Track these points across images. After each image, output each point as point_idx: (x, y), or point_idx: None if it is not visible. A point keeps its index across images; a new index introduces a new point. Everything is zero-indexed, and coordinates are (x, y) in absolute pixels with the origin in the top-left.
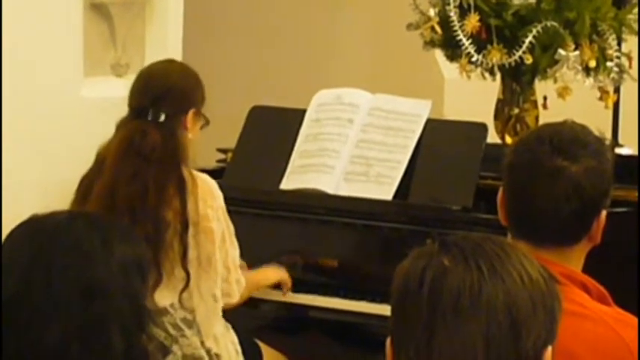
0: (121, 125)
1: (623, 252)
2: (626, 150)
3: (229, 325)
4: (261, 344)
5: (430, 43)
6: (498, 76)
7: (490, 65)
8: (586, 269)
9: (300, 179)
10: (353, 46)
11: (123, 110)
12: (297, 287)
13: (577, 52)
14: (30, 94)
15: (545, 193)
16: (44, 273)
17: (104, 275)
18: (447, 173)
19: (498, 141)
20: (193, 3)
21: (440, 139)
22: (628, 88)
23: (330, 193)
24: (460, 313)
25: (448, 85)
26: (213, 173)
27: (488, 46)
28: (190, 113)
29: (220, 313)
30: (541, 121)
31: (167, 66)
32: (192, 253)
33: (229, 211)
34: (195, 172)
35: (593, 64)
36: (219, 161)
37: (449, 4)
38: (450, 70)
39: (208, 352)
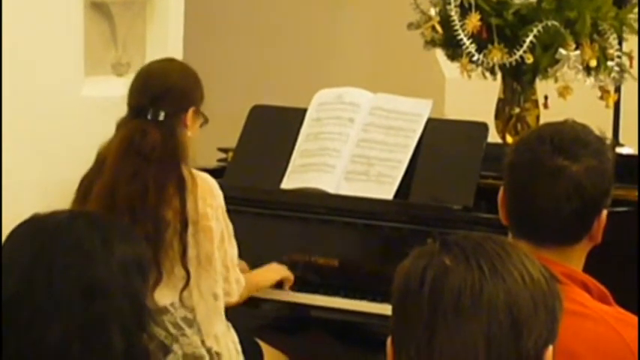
0: (121, 125)
1: (624, 251)
2: (627, 149)
3: (230, 325)
4: (262, 344)
5: (431, 43)
6: (499, 75)
7: (491, 65)
8: (587, 269)
9: (300, 178)
10: (354, 45)
11: (124, 110)
12: (298, 287)
13: (578, 52)
14: (30, 94)
15: (546, 193)
16: (45, 272)
17: (105, 275)
18: (447, 173)
19: (499, 140)
20: (194, 2)
21: (441, 139)
22: (629, 87)
23: (331, 193)
24: (461, 312)
25: (449, 84)
26: (214, 172)
27: (489, 46)
28: (190, 112)
29: (222, 312)
30: (542, 121)
31: (166, 65)
32: (191, 252)
33: (230, 211)
34: (194, 171)
35: (593, 63)
36: (219, 160)
37: (450, 4)
38: (450, 69)
39: (209, 351)
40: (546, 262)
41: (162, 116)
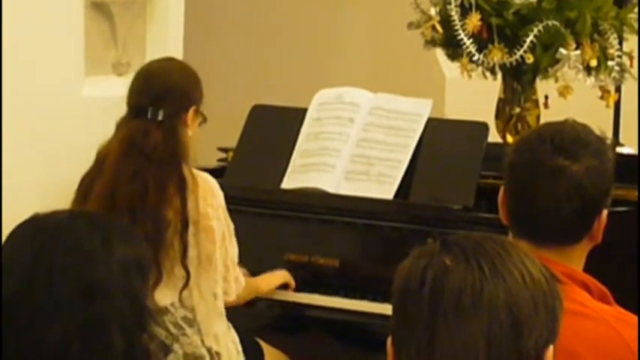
0: (121, 124)
1: (624, 251)
2: (627, 149)
3: (230, 325)
4: (263, 343)
5: (431, 42)
6: (499, 75)
7: (491, 64)
8: (587, 268)
9: (301, 178)
10: (354, 45)
11: (124, 109)
12: (298, 287)
13: (578, 52)
14: (30, 94)
15: (547, 193)
16: (45, 272)
17: (105, 275)
18: (448, 172)
19: (499, 140)
20: (194, 2)
21: (441, 139)
22: (629, 87)
23: (331, 193)
24: (461, 312)
25: (449, 84)
26: (214, 172)
27: (490, 46)
28: (191, 111)
29: (223, 312)
30: (542, 121)
31: (166, 64)
32: (192, 252)
33: (230, 210)
34: (195, 171)
35: (594, 63)
36: (220, 160)
37: (450, 3)
38: (451, 69)
39: (209, 350)
40: (547, 262)
41: (162, 116)
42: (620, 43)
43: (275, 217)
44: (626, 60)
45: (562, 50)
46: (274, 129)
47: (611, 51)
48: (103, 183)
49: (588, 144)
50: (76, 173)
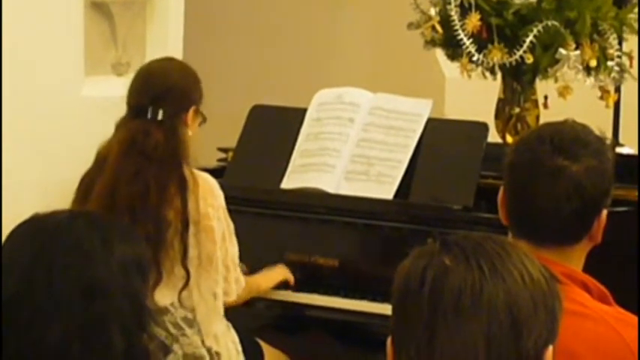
0: (121, 125)
1: (624, 251)
2: (627, 149)
3: (230, 325)
4: (263, 343)
5: (431, 43)
6: (499, 75)
7: (491, 64)
8: (587, 269)
9: (300, 178)
10: (354, 45)
11: (124, 109)
12: (298, 287)
13: (578, 52)
14: (30, 94)
15: (546, 193)
16: (45, 272)
17: (104, 275)
18: (447, 172)
19: (499, 140)
20: (194, 2)
21: (441, 139)
22: (629, 87)
23: (331, 193)
24: (461, 312)
25: (449, 84)
26: (214, 172)
27: (489, 46)
28: (191, 111)
29: (222, 312)
30: (542, 121)
31: (166, 64)
32: (192, 252)
33: (230, 211)
34: (195, 171)
35: (593, 63)
36: (219, 160)
37: (450, 4)
38: (450, 69)
39: (209, 350)
40: (546, 262)
41: (162, 116)
42: (620, 44)
43: (275, 217)
44: (625, 60)
45: (562, 50)
46: (274, 129)
47: (610, 51)
48: (104, 183)
49: (588, 144)
50: (76, 173)
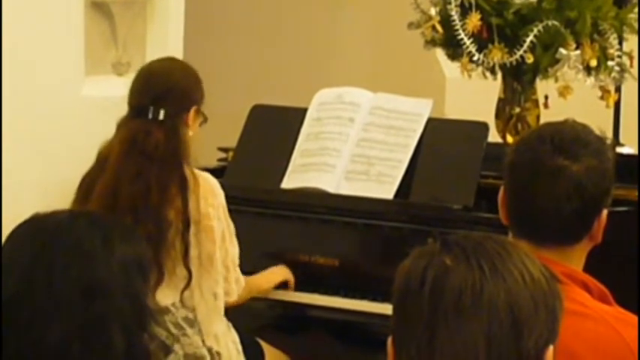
0: (122, 124)
1: (624, 251)
2: (627, 149)
3: (230, 324)
4: (263, 343)
5: (431, 42)
6: (499, 75)
7: (491, 64)
8: (587, 268)
9: (301, 178)
10: (354, 45)
11: (124, 109)
12: (299, 286)
13: (578, 52)
14: (30, 94)
15: (547, 193)
16: (45, 272)
17: (105, 275)
18: (448, 172)
19: (499, 140)
20: (194, 2)
21: (441, 138)
22: (629, 87)
23: (331, 192)
24: (461, 312)
25: (449, 84)
26: (215, 172)
27: (490, 45)
28: (192, 111)
29: (222, 312)
30: (542, 121)
31: (167, 64)
32: (193, 252)
33: (230, 210)
34: (196, 171)
35: (594, 63)
36: (220, 160)
37: (450, 3)
38: (451, 69)
39: (210, 350)
40: (547, 262)
41: (163, 115)
42: (620, 43)
43: (275, 217)
44: (626, 60)
45: (562, 50)
46: (274, 129)
47: (611, 51)
48: (105, 183)
49: (588, 144)
50: (76, 173)
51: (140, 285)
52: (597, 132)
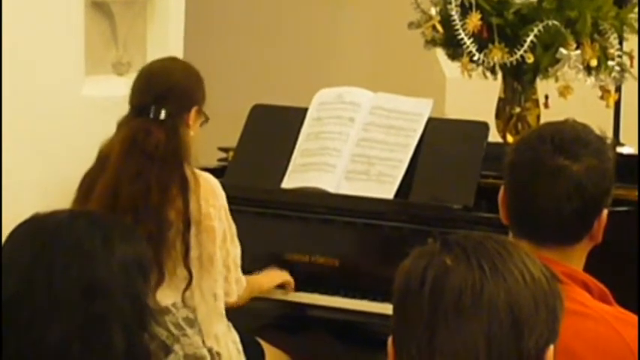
0: (123, 124)
1: (624, 251)
2: (627, 149)
3: (231, 325)
4: (263, 343)
5: (431, 42)
6: (500, 75)
7: (491, 64)
8: (587, 268)
9: (301, 178)
10: (354, 44)
11: (124, 109)
12: (299, 286)
13: (578, 51)
14: (30, 94)
15: (547, 192)
16: (45, 272)
17: (105, 275)
18: (448, 172)
19: (500, 140)
20: (194, 1)
21: (441, 138)
22: (629, 87)
23: (332, 192)
24: (462, 312)
25: (449, 84)
26: (215, 172)
27: (490, 45)
28: (193, 111)
29: (223, 312)
30: (542, 120)
31: (169, 64)
32: (193, 252)
33: (230, 210)
34: (197, 171)
35: (594, 63)
36: (220, 160)
37: (450, 3)
38: (451, 69)
39: (210, 350)
40: (547, 262)
41: (164, 115)
42: (621, 43)
43: (275, 217)
44: (626, 60)
45: (562, 50)
46: (274, 129)
47: (611, 51)
48: (105, 182)
49: (588, 144)
50: (76, 173)
51: (140, 285)
52: (597, 132)
